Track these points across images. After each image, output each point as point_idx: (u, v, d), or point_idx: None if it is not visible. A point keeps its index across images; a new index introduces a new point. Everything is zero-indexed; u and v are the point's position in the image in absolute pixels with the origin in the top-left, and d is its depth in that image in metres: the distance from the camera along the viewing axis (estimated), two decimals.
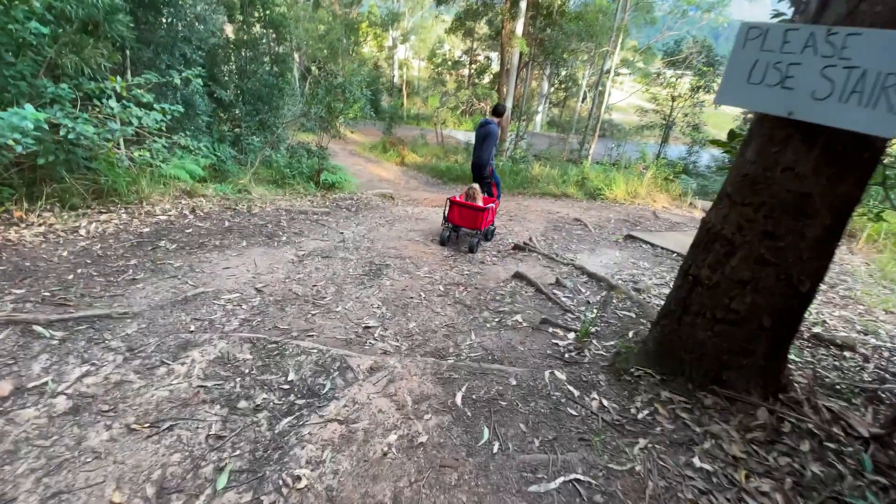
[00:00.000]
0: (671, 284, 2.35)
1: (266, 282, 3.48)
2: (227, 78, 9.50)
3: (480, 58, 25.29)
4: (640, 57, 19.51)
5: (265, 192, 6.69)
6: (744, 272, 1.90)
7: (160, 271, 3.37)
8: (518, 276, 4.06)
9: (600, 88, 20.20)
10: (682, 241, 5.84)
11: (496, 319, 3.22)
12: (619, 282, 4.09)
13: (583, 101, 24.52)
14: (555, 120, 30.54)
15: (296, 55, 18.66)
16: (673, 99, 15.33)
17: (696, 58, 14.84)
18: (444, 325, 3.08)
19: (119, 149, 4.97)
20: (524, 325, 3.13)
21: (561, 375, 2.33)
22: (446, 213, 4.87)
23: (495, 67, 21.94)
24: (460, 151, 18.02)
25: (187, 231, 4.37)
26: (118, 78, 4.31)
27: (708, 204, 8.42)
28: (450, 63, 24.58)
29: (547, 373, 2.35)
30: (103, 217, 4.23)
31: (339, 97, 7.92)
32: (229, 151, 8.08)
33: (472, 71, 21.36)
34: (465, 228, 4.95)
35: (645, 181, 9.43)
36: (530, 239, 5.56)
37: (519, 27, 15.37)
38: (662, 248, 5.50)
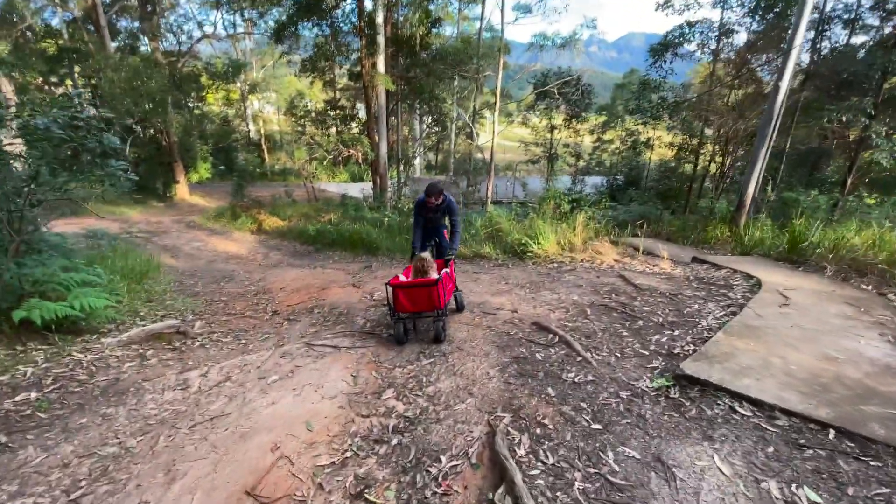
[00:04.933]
0: None
1: None
2: None
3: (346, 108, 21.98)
4: (504, 99, 18.22)
5: None
6: None
7: None
8: None
9: (476, 128, 18.26)
10: (795, 374, 2.55)
11: None
12: None
13: (455, 143, 22.68)
14: (432, 163, 28.58)
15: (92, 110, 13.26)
16: (552, 130, 13.66)
17: (565, 87, 13.46)
18: None
19: None
20: None
21: None
22: (391, 301, 3.20)
23: (363, 116, 18.80)
24: (334, 207, 13.91)
25: None
26: None
27: (662, 246, 5.40)
28: (313, 114, 20.66)
29: None
30: None
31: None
32: None
33: (337, 118, 17.81)
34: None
35: (578, 226, 6.59)
36: (492, 450, 1.82)
37: (380, 64, 12.33)
38: (785, 412, 2.19)
